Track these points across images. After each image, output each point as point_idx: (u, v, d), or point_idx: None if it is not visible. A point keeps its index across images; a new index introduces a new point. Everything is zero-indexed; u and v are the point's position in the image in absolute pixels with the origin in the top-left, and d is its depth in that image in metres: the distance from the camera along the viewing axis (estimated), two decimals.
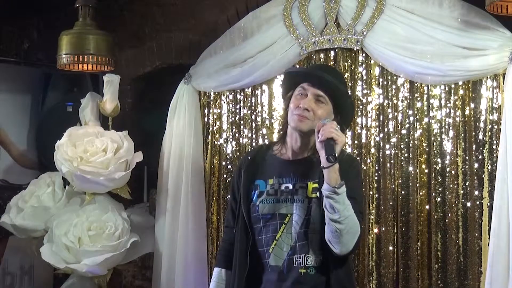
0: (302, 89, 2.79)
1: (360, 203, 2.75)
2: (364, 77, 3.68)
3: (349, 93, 2.92)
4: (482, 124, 3.41)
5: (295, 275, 2.69)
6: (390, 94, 3.62)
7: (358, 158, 3.61)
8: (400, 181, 3.57)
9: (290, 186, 2.75)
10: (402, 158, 3.57)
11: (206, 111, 4.13)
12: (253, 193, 2.81)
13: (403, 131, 3.58)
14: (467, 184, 3.42)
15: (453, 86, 3.47)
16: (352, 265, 2.81)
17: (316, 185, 2.72)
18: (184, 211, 4.00)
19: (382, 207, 3.58)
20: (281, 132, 2.90)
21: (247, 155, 3.00)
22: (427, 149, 3.53)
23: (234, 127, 4.05)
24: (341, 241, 2.61)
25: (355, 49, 3.65)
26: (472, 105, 3.43)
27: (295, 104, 2.77)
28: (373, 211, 3.61)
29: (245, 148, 3.98)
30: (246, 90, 3.99)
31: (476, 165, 3.40)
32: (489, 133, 3.38)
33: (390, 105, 3.62)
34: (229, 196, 3.04)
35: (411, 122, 3.57)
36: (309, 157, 2.79)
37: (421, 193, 3.52)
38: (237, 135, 4.03)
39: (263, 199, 2.77)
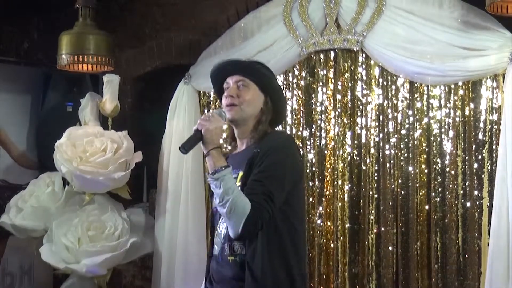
0: (226, 84, 2.85)
1: (275, 177, 2.66)
2: (364, 78, 3.68)
3: (273, 74, 2.93)
4: (482, 124, 3.41)
5: (226, 263, 2.74)
6: (390, 95, 3.62)
7: (357, 156, 3.62)
8: (400, 181, 3.57)
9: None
10: (402, 158, 3.57)
11: (206, 111, 4.13)
12: None
13: (403, 131, 3.58)
14: (467, 184, 3.42)
15: (453, 86, 3.47)
16: (289, 252, 2.69)
17: (241, 173, 2.75)
18: (184, 211, 4.00)
19: (382, 207, 3.58)
20: (230, 132, 2.95)
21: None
22: (427, 149, 3.53)
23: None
24: (229, 224, 2.64)
25: (355, 50, 3.65)
26: (472, 105, 3.43)
27: (224, 97, 2.83)
28: (373, 211, 3.61)
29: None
30: None
31: (476, 165, 3.40)
32: (489, 133, 3.38)
33: (390, 105, 3.62)
34: None
35: (411, 122, 3.57)
36: (248, 147, 2.82)
37: (421, 193, 3.52)
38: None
39: (212, 194, 2.85)
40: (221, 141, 2.92)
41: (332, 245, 3.70)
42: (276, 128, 2.99)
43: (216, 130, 2.70)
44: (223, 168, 2.64)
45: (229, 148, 2.98)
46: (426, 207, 3.51)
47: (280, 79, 3.86)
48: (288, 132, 3.83)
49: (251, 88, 2.81)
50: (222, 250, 2.76)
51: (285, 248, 2.70)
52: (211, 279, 2.83)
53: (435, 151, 3.51)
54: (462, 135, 3.45)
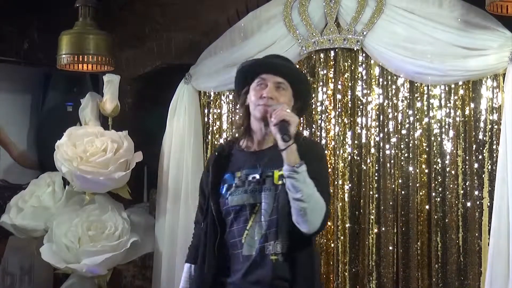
0: (261, 80, 2.81)
1: (324, 184, 2.76)
2: (364, 77, 3.68)
3: (307, 78, 2.97)
4: (482, 124, 3.41)
5: (267, 262, 2.72)
6: (390, 94, 3.62)
7: (357, 156, 3.62)
8: (400, 181, 3.57)
9: (257, 176, 2.78)
10: (402, 158, 3.57)
11: (206, 111, 4.13)
12: (222, 187, 2.84)
13: (403, 131, 3.58)
14: (467, 184, 3.42)
15: (453, 86, 3.47)
16: (318, 253, 2.91)
17: (282, 172, 2.73)
18: (184, 211, 4.00)
19: (382, 207, 3.58)
20: (243, 128, 2.91)
21: (215, 151, 3.04)
22: (427, 149, 3.53)
23: (234, 127, 4.04)
24: (307, 220, 2.64)
25: (355, 49, 3.65)
26: (472, 105, 3.43)
27: (257, 95, 2.80)
28: (373, 211, 3.61)
29: None
30: None
31: (476, 165, 3.40)
32: (489, 133, 3.38)
33: (390, 105, 3.62)
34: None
35: (411, 122, 3.57)
36: (275, 146, 2.79)
37: (421, 193, 3.52)
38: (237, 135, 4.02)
39: (232, 192, 2.80)
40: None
41: (332, 245, 3.70)
42: None
43: (296, 123, 2.70)
44: (302, 163, 2.63)
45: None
46: (427, 207, 3.51)
47: None
48: None
49: (288, 91, 2.81)
50: (262, 250, 2.73)
51: (313, 246, 2.83)
52: (233, 278, 2.77)
53: (435, 151, 3.51)
54: (463, 135, 3.45)
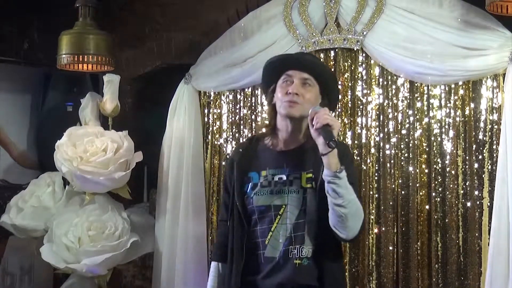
0: (287, 76, 2.78)
1: (357, 188, 2.76)
2: (364, 77, 3.68)
3: (334, 74, 2.94)
4: (482, 124, 3.41)
5: (290, 266, 2.69)
6: (390, 94, 3.62)
7: (357, 156, 3.62)
8: (400, 181, 3.57)
9: (284, 177, 2.74)
10: (402, 158, 3.57)
11: (206, 111, 4.13)
12: (247, 185, 2.80)
13: (403, 131, 3.58)
14: (467, 184, 3.42)
15: (453, 86, 3.47)
16: (343, 257, 2.86)
17: (310, 175, 2.71)
18: (184, 211, 4.00)
19: (382, 207, 3.58)
20: (270, 127, 2.88)
21: (239, 148, 2.98)
22: (427, 149, 3.53)
23: (234, 127, 4.04)
24: (347, 226, 2.60)
25: (355, 49, 3.65)
26: (472, 105, 3.43)
27: (283, 91, 2.76)
28: (373, 211, 3.60)
29: None
30: (246, 90, 4.00)
31: (476, 165, 3.40)
32: (489, 133, 3.38)
33: (390, 105, 3.62)
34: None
35: (411, 122, 3.57)
36: (302, 146, 2.77)
37: (421, 193, 3.52)
38: (237, 135, 4.02)
39: (257, 191, 2.76)
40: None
41: None
42: None
43: (338, 128, 2.68)
44: (343, 169, 2.60)
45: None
46: (427, 207, 3.51)
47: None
48: None
49: (315, 88, 2.77)
50: (287, 253, 2.69)
51: (340, 251, 2.84)
52: (252, 278, 2.75)
53: (435, 151, 3.51)
54: (463, 135, 3.45)
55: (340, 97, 3.01)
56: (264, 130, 2.93)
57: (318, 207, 2.67)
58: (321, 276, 2.68)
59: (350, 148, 3.30)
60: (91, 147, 3.88)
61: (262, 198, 2.75)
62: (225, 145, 4.08)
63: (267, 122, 2.94)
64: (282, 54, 2.90)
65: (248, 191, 2.79)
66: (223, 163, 4.07)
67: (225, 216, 2.92)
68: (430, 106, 3.53)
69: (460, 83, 3.45)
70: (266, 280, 2.72)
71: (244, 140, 3.01)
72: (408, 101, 3.59)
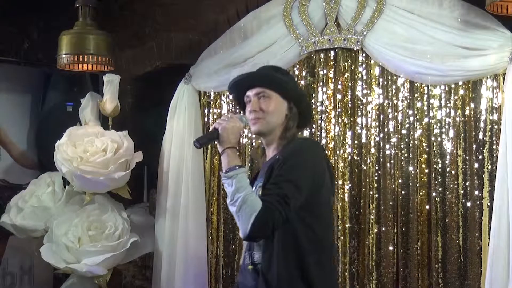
0: (246, 97, 2.84)
1: (292, 181, 2.59)
2: (364, 77, 3.68)
3: (291, 78, 2.94)
4: (482, 124, 3.41)
5: (246, 271, 2.75)
6: (390, 94, 3.62)
7: (357, 156, 3.62)
8: (400, 181, 3.57)
9: (257, 188, 2.77)
10: (402, 158, 3.57)
11: (206, 111, 4.13)
12: None
13: (403, 131, 3.58)
14: (467, 184, 3.42)
15: (453, 86, 3.47)
16: (308, 266, 2.63)
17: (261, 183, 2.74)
18: (184, 211, 4.00)
19: (382, 207, 3.58)
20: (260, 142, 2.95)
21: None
22: (427, 149, 3.53)
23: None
24: (239, 224, 2.60)
25: (355, 49, 3.65)
26: (472, 105, 3.43)
27: (248, 112, 2.82)
28: (373, 211, 3.61)
29: (245, 148, 3.99)
30: None
31: (476, 165, 3.40)
32: (489, 133, 3.38)
33: (390, 105, 3.62)
34: None
35: (411, 122, 3.57)
36: (273, 157, 2.81)
37: (421, 193, 3.52)
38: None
39: None
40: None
41: None
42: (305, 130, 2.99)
43: (233, 129, 2.71)
44: (237, 167, 2.62)
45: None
46: (427, 207, 3.51)
47: None
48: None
49: (273, 97, 2.79)
50: (244, 259, 2.77)
51: (303, 258, 2.63)
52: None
53: (435, 151, 3.51)
54: (463, 135, 3.45)
55: (303, 92, 3.02)
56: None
57: None
58: (272, 280, 2.64)
59: (309, 147, 2.90)
60: (91, 147, 3.88)
61: None
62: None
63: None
64: (233, 79, 2.92)
65: None
66: None
67: None
68: (430, 106, 3.53)
69: (460, 83, 3.45)
70: (240, 284, 2.82)
71: None
72: (408, 101, 3.59)
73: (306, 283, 2.62)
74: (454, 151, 3.46)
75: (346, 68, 3.70)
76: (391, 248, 3.55)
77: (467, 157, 3.42)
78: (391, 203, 3.57)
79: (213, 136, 2.73)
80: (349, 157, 3.69)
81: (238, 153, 2.78)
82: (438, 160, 3.50)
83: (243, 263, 2.78)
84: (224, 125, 2.70)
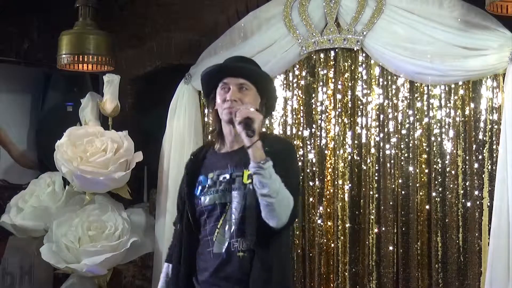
0: (223, 84, 2.86)
1: (292, 179, 2.78)
2: (364, 77, 3.68)
3: (266, 74, 3.02)
4: (482, 124, 3.41)
5: (235, 259, 2.77)
6: (390, 94, 3.62)
7: (357, 156, 3.63)
8: (400, 181, 3.57)
9: (228, 176, 2.84)
10: (402, 158, 3.58)
11: (206, 111, 4.13)
12: (196, 188, 2.91)
13: (403, 131, 3.59)
14: (467, 184, 3.42)
15: (453, 86, 3.48)
16: (289, 248, 2.94)
17: (249, 171, 2.78)
18: None
19: (382, 207, 3.59)
20: (215, 132, 2.97)
21: (191, 156, 3.08)
22: (427, 149, 3.53)
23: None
24: (275, 215, 2.68)
25: (355, 49, 3.65)
26: (472, 105, 3.44)
27: (222, 98, 2.85)
28: (373, 211, 3.61)
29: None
30: None
31: (476, 165, 3.40)
32: (489, 133, 3.38)
33: (390, 105, 3.62)
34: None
35: (411, 122, 3.57)
36: (244, 147, 2.83)
37: (421, 193, 3.53)
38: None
39: (205, 192, 2.87)
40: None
41: (332, 245, 3.70)
42: None
43: (260, 122, 2.76)
44: (268, 159, 2.66)
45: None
46: (427, 207, 3.51)
47: (280, 79, 3.87)
48: (289, 132, 3.84)
49: (252, 91, 2.85)
50: (229, 247, 2.77)
51: (286, 250, 2.87)
52: (204, 276, 2.82)
53: (435, 151, 3.51)
54: (463, 135, 3.45)
55: (277, 95, 3.08)
56: (212, 136, 3.03)
57: (256, 201, 2.74)
58: (264, 267, 2.74)
59: (290, 142, 3.36)
60: (91, 147, 3.88)
61: (209, 198, 2.85)
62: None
63: (212, 129, 3.04)
64: (217, 64, 3.00)
65: (197, 193, 2.90)
66: None
67: (178, 220, 3.03)
68: (430, 106, 3.53)
69: (460, 83, 3.45)
70: (215, 275, 2.81)
71: (196, 149, 3.13)
72: (408, 101, 3.59)
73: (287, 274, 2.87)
74: (454, 151, 3.46)
75: (346, 68, 3.71)
76: (391, 248, 3.56)
77: (467, 157, 3.42)
78: (391, 203, 3.57)
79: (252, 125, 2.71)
80: (349, 157, 3.69)
81: None
82: (438, 160, 3.50)
83: (227, 251, 2.77)
84: (258, 116, 2.71)
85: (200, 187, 2.88)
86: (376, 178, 3.63)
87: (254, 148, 2.66)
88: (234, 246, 2.77)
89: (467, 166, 3.42)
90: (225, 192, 2.82)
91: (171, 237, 3.11)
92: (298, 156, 3.28)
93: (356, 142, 3.68)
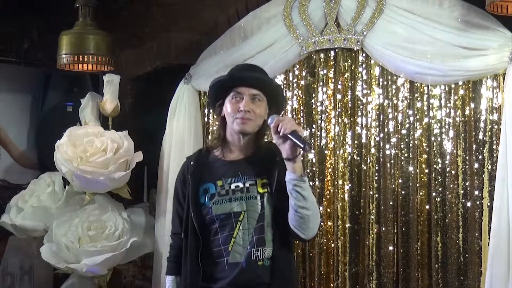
0: (236, 93, 2.86)
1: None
2: (364, 77, 3.68)
3: (280, 86, 3.10)
4: (482, 124, 3.41)
5: (255, 268, 2.78)
6: (390, 94, 3.62)
7: (357, 156, 3.63)
8: (400, 181, 3.57)
9: (240, 185, 2.84)
10: (402, 158, 3.58)
11: (206, 111, 4.13)
12: (204, 196, 2.87)
13: (403, 131, 3.59)
14: (467, 184, 3.42)
15: (453, 86, 3.47)
16: (293, 256, 3.11)
17: (265, 180, 2.83)
18: None
19: (382, 207, 3.58)
20: (220, 138, 2.96)
21: (189, 161, 3.03)
22: (427, 149, 3.53)
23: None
24: (309, 226, 2.75)
25: (355, 49, 3.65)
26: (472, 105, 3.44)
27: (234, 108, 2.84)
28: (373, 211, 3.61)
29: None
30: None
31: (476, 165, 3.40)
32: (489, 133, 3.38)
33: (390, 105, 3.62)
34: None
35: (411, 122, 3.57)
36: (253, 155, 2.89)
37: (421, 193, 3.53)
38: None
39: (216, 201, 2.84)
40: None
41: (332, 245, 3.70)
42: None
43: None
44: (305, 173, 2.75)
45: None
46: (427, 207, 3.51)
47: (280, 79, 3.87)
48: None
49: (263, 102, 2.87)
50: (249, 256, 2.78)
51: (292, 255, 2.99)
52: (220, 284, 2.82)
53: (435, 151, 3.51)
54: (463, 135, 3.45)
55: (285, 106, 3.14)
56: (214, 142, 3.01)
57: (274, 210, 2.80)
58: (274, 275, 2.80)
59: None
60: (91, 147, 3.88)
61: (221, 207, 2.83)
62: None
63: (216, 135, 3.04)
64: (230, 73, 2.98)
65: (206, 201, 2.87)
66: None
67: (179, 229, 2.98)
68: (430, 106, 3.53)
69: (460, 83, 3.45)
70: (232, 284, 2.81)
71: (192, 153, 3.11)
72: (408, 101, 3.59)
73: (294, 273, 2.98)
74: (454, 151, 3.46)
75: (346, 68, 3.71)
76: (391, 248, 3.56)
77: (467, 157, 3.42)
78: (391, 203, 3.57)
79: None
80: (349, 157, 3.69)
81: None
82: (438, 160, 3.50)
83: (247, 260, 2.78)
84: (301, 129, 2.75)
85: (208, 195, 2.86)
86: (376, 178, 3.63)
87: (297, 161, 2.70)
88: (254, 255, 2.78)
89: (467, 166, 3.42)
90: (240, 201, 2.82)
91: (169, 248, 3.07)
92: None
93: (356, 142, 3.68)
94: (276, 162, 2.80)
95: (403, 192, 3.57)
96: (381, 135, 3.63)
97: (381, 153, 3.62)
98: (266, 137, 3.01)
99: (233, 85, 2.87)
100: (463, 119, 3.45)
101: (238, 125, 2.83)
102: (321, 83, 3.78)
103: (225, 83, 2.91)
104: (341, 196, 3.68)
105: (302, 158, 2.83)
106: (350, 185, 3.68)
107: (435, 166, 3.50)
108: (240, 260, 2.79)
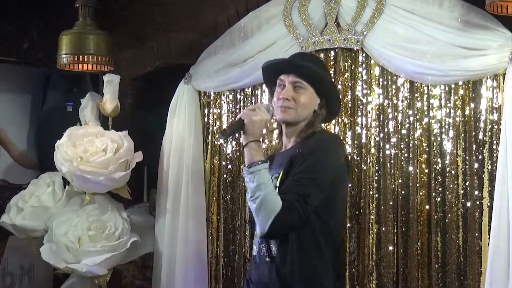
0: (280, 81, 2.80)
1: (309, 186, 2.59)
2: (364, 77, 3.68)
3: (329, 75, 2.95)
4: (482, 124, 3.41)
5: (264, 263, 2.73)
6: (390, 94, 3.62)
7: (357, 156, 3.63)
8: (400, 181, 3.57)
9: (272, 177, 2.75)
10: (402, 158, 3.57)
11: (206, 111, 4.13)
12: None
13: (403, 131, 3.58)
14: (467, 184, 3.42)
15: (453, 86, 3.47)
16: (317, 261, 2.68)
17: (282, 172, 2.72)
18: (184, 211, 4.00)
19: (382, 207, 3.58)
20: (279, 127, 2.93)
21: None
22: (427, 149, 3.53)
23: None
24: (257, 221, 2.59)
25: (355, 49, 3.65)
26: (472, 105, 3.43)
27: (277, 97, 2.79)
28: (373, 211, 3.61)
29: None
30: (246, 90, 4.00)
31: (476, 165, 3.40)
32: (489, 133, 3.38)
33: (390, 105, 3.62)
34: None
35: (411, 122, 3.57)
36: (292, 147, 2.79)
37: (421, 193, 3.52)
38: (237, 135, 4.02)
39: None
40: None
41: None
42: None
43: (260, 122, 2.68)
44: (260, 163, 2.60)
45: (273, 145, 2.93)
46: (427, 207, 3.51)
47: None
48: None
49: (308, 90, 2.77)
50: (260, 251, 2.74)
51: (320, 253, 2.66)
52: (249, 281, 2.82)
53: (435, 151, 3.51)
54: (463, 135, 3.45)
55: (340, 97, 3.01)
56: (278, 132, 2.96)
57: None
58: (286, 274, 2.66)
59: (331, 143, 2.83)
60: (91, 147, 3.88)
61: None
62: (225, 145, 4.08)
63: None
64: (276, 58, 2.91)
65: None
66: (223, 163, 4.07)
67: None
68: (430, 106, 3.53)
69: (460, 83, 3.45)
70: (252, 276, 2.82)
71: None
72: (408, 101, 3.59)
73: (319, 279, 2.64)
74: (454, 151, 3.46)
75: (346, 68, 3.70)
76: (391, 248, 3.55)
77: (467, 157, 3.42)
78: (391, 203, 3.57)
79: (238, 128, 2.67)
80: (349, 157, 3.68)
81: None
82: (438, 160, 3.50)
83: (258, 254, 2.75)
84: (252, 117, 2.65)
85: None
86: (376, 178, 3.62)
87: (246, 149, 2.64)
88: (262, 250, 2.74)
89: (467, 166, 3.42)
90: None
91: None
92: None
93: (356, 142, 3.68)
94: (296, 154, 2.66)
95: (403, 192, 3.57)
96: (381, 135, 3.63)
97: (381, 153, 3.62)
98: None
99: (276, 72, 2.81)
100: (463, 119, 3.45)
101: (278, 114, 2.76)
102: None
103: (268, 69, 2.87)
104: None
105: (256, 147, 2.65)
106: (350, 185, 3.67)
107: (435, 166, 3.50)
108: (255, 253, 2.79)
